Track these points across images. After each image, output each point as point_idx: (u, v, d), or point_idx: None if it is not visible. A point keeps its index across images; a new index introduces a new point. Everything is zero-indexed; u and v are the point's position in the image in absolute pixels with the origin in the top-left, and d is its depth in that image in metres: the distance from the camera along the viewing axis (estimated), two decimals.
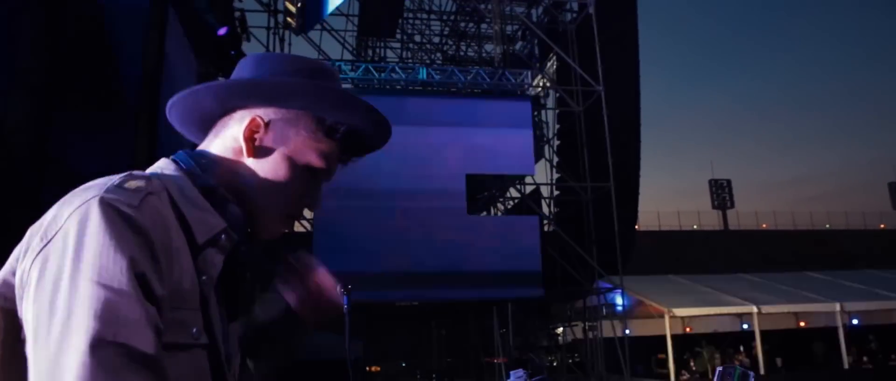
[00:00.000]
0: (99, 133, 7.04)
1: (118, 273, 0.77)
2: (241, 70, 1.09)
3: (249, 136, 1.02)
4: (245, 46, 12.63)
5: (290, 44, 17.58)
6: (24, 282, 0.81)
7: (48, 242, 0.81)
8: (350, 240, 13.80)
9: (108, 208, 0.81)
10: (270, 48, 16.23)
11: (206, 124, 1.08)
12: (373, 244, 13.91)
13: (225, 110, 1.06)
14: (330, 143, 1.05)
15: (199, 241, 0.90)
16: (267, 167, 1.02)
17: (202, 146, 1.06)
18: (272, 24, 16.89)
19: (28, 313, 0.79)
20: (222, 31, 9.13)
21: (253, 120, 1.02)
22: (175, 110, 1.09)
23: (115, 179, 0.88)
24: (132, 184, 0.87)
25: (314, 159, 1.04)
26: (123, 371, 0.73)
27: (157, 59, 8.41)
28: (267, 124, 1.03)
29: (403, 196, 14.38)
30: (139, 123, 8.03)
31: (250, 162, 1.02)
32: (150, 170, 0.98)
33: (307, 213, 16.61)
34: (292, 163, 1.03)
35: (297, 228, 17.82)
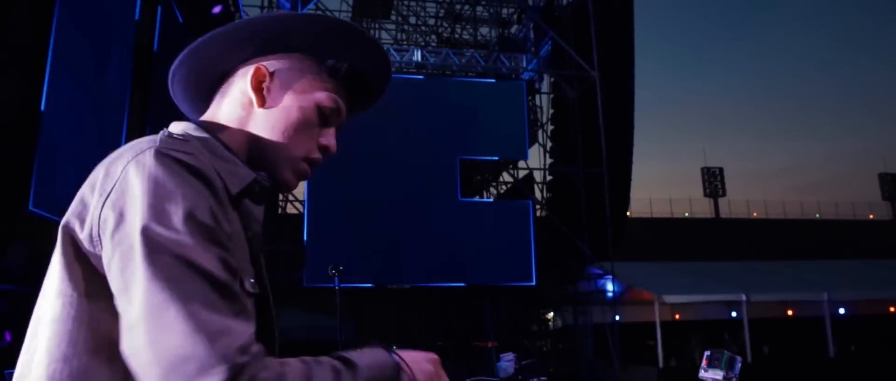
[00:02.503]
0: (90, 110, 6.98)
1: (181, 219, 0.81)
2: None
3: (257, 86, 1.04)
4: None
5: None
6: (94, 228, 0.85)
7: (108, 194, 0.84)
8: (342, 223, 13.80)
9: (165, 157, 0.85)
10: None
11: (208, 93, 1.09)
12: (365, 227, 13.91)
13: (225, 72, 1.07)
14: (335, 83, 1.08)
15: (233, 191, 0.92)
16: (279, 113, 1.04)
17: (210, 109, 1.08)
18: (266, 4, 16.78)
19: (111, 256, 0.83)
20: (216, 9, 9.08)
21: (258, 69, 1.05)
22: (178, 78, 1.09)
23: (157, 135, 0.92)
24: (178, 137, 0.93)
25: (323, 98, 1.06)
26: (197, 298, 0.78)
27: (150, 37, 8.36)
28: (272, 74, 1.05)
29: (396, 179, 14.36)
30: (132, 100, 7.99)
31: (261, 112, 1.04)
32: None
33: (300, 194, 16.50)
34: (302, 104, 1.05)
35: (290, 210, 17.80)
